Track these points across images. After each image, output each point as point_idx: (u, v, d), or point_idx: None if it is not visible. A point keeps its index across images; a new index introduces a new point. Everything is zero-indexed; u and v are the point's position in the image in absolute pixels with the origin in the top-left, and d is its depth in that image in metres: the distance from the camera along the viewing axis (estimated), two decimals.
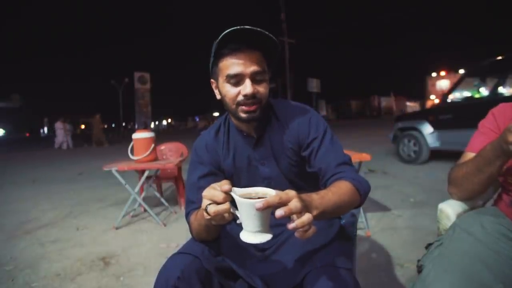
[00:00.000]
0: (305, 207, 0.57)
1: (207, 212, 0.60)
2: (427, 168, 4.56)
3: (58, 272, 1.87)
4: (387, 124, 10.60)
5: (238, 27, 0.71)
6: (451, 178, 0.91)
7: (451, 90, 4.84)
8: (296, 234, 0.54)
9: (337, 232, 0.86)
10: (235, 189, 0.60)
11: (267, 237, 0.57)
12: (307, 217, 0.54)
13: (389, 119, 14.50)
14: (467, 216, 0.78)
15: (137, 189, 2.72)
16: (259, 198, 0.58)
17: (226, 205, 0.59)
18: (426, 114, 4.98)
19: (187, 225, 0.86)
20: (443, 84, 17.23)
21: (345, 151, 0.87)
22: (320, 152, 0.84)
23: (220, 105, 0.85)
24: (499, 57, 4.13)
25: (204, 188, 0.62)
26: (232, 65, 0.76)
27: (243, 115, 0.79)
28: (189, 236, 0.86)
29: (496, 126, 0.89)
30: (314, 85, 17.21)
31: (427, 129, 4.74)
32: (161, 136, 14.29)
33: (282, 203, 0.53)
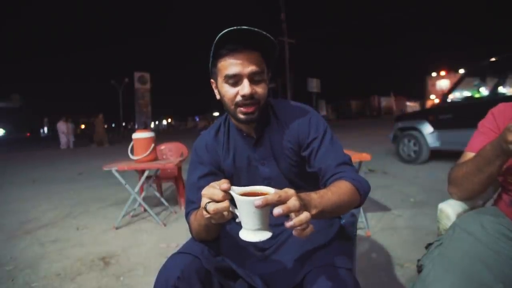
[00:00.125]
0: (304, 206, 0.57)
1: (206, 210, 0.60)
2: (427, 168, 4.56)
3: (58, 272, 1.87)
4: (387, 124, 10.60)
5: (235, 27, 0.71)
6: (451, 178, 0.91)
7: (451, 90, 4.84)
8: (294, 233, 0.55)
9: (337, 232, 0.86)
10: (234, 187, 0.60)
11: (266, 235, 0.57)
12: (305, 215, 0.54)
13: (389, 119, 14.50)
14: (467, 216, 0.77)
15: (137, 189, 2.72)
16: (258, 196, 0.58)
17: (226, 203, 0.59)
18: (426, 114, 4.98)
19: (187, 225, 0.86)
20: (443, 84, 17.24)
21: (345, 151, 0.87)
22: (320, 152, 0.84)
23: (220, 105, 0.85)
24: (493, 59, 4.16)
25: (204, 188, 0.63)
26: (230, 65, 0.76)
27: (241, 116, 0.79)
28: (189, 236, 0.86)
29: (495, 126, 0.89)
30: (314, 85, 17.21)
31: (427, 129, 4.74)
32: (161, 136, 14.30)
33: (281, 201, 0.54)
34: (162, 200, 3.11)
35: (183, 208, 3.04)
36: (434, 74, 18.59)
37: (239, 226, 0.60)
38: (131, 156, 2.70)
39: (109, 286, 1.69)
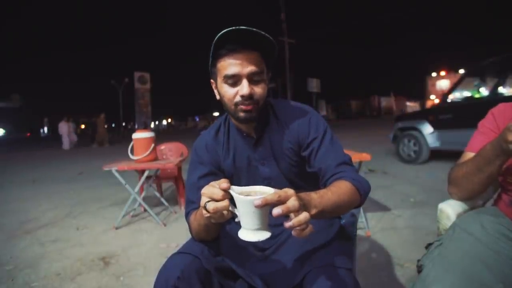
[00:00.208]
0: (304, 206, 0.57)
1: (206, 209, 0.60)
2: (427, 168, 4.56)
3: (58, 272, 1.87)
4: (387, 124, 10.60)
5: (234, 27, 0.71)
6: (451, 178, 0.91)
7: (451, 90, 4.84)
8: (293, 233, 0.54)
9: (337, 232, 0.86)
10: (233, 187, 0.60)
11: (265, 235, 0.57)
12: (304, 215, 0.54)
13: (389, 119, 14.50)
14: (467, 216, 0.77)
15: (137, 189, 2.72)
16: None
17: (225, 202, 0.59)
18: (426, 114, 4.97)
19: (187, 225, 0.86)
20: (443, 84, 17.25)
21: (345, 151, 0.87)
22: (320, 152, 0.84)
23: (220, 105, 0.85)
24: (493, 59, 4.16)
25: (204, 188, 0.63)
26: (229, 65, 0.76)
27: (241, 114, 0.79)
28: (189, 236, 0.86)
29: (495, 126, 0.89)
30: (314, 85, 17.21)
31: (427, 129, 4.74)
32: (161, 136, 14.29)
33: (281, 201, 0.54)
34: (162, 200, 3.11)
35: (183, 208, 3.04)
36: (434, 74, 18.60)
37: (238, 226, 0.60)
38: (131, 156, 2.70)
39: (109, 286, 1.69)
